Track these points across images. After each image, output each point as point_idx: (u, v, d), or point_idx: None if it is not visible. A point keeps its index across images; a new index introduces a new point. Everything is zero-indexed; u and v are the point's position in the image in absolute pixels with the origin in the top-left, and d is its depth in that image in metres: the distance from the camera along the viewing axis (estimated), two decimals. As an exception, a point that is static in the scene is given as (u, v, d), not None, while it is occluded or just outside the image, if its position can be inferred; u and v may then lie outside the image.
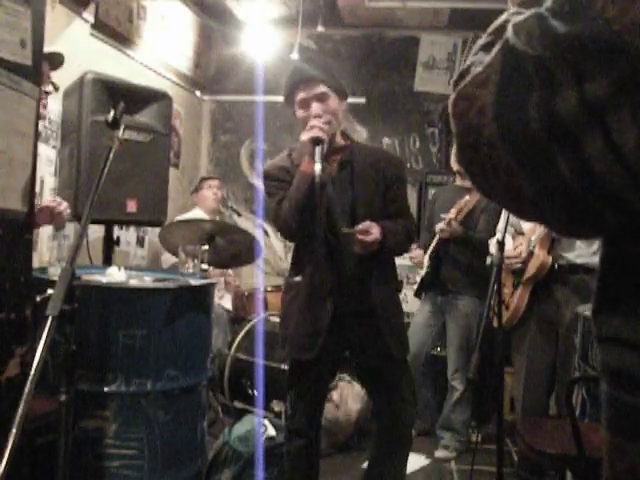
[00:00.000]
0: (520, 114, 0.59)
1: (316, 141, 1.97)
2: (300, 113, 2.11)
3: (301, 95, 2.09)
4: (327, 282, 2.09)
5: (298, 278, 2.12)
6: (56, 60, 2.31)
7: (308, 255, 2.11)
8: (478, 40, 0.70)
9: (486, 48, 0.66)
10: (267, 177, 2.20)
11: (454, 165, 3.55)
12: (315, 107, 2.06)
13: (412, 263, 3.68)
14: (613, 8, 0.53)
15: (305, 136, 2.01)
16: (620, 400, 0.65)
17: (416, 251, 3.55)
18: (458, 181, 3.63)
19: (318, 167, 1.94)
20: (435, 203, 3.72)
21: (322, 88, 2.08)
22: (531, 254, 2.81)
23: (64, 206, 2.28)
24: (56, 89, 2.28)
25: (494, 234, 3.35)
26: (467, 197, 3.27)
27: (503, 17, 0.69)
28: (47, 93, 2.19)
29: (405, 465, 2.25)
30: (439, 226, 3.35)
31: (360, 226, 2.04)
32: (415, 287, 3.67)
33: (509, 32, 0.61)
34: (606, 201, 0.58)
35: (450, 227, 3.29)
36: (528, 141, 0.59)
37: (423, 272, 3.53)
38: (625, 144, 0.54)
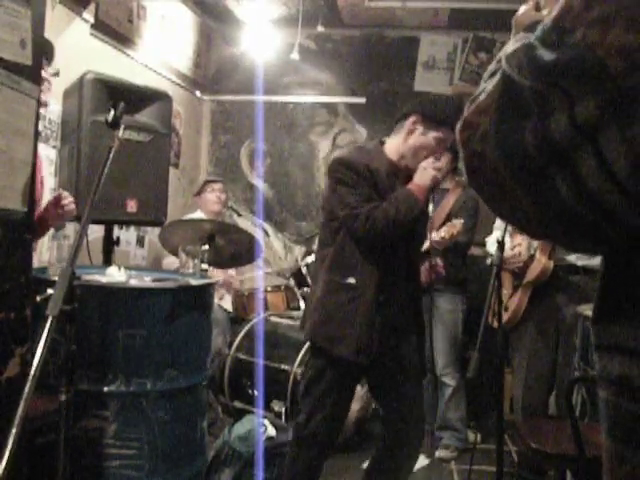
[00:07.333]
0: (518, 140, 0.62)
1: (438, 184, 2.17)
2: (429, 142, 2.16)
3: (446, 135, 2.15)
4: (399, 292, 2.18)
5: (352, 280, 2.12)
6: (48, 50, 2.18)
7: (371, 263, 2.12)
8: (489, 66, 0.73)
9: (494, 75, 0.69)
10: (351, 168, 2.13)
11: None
12: (444, 155, 2.30)
13: None
14: (593, 34, 0.56)
15: (433, 172, 2.13)
16: (621, 407, 0.65)
17: None
18: None
19: (431, 208, 2.26)
20: None
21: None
22: (532, 258, 2.81)
23: (69, 200, 2.24)
24: (56, 74, 2.18)
25: (472, 235, 3.37)
26: (462, 220, 3.26)
27: (511, 44, 0.71)
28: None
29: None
30: (433, 239, 3.33)
31: (439, 262, 2.38)
32: None
33: (503, 62, 0.64)
34: (604, 217, 0.61)
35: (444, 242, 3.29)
36: (527, 165, 0.62)
37: None
38: (616, 162, 0.57)
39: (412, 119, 2.16)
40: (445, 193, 3.50)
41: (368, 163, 2.13)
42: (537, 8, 0.85)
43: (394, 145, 2.22)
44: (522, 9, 0.86)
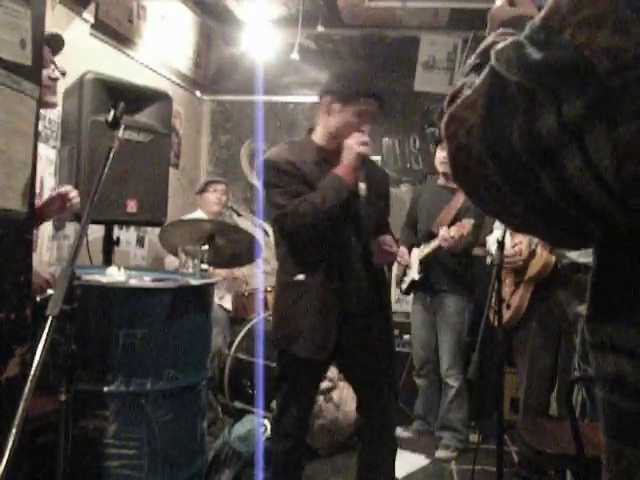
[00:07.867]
0: (504, 135, 0.62)
1: (364, 159, 2.08)
2: (349, 118, 2.08)
3: (364, 106, 2.07)
4: (355, 278, 2.12)
5: (301, 277, 2.09)
6: (57, 43, 2.18)
7: (317, 256, 2.08)
8: (468, 60, 0.73)
9: (476, 70, 0.70)
10: (273, 168, 2.11)
11: (440, 167, 3.59)
12: (367, 126, 2.09)
13: (399, 264, 3.67)
14: (582, 35, 0.57)
15: (357, 149, 2.04)
16: (616, 405, 0.66)
17: (401, 249, 3.51)
18: (441, 181, 3.65)
19: (363, 186, 2.13)
20: (417, 201, 3.74)
21: (378, 109, 2.10)
22: (533, 253, 2.80)
23: (75, 193, 2.24)
24: (63, 74, 2.20)
25: (478, 235, 3.37)
26: (472, 220, 3.23)
27: (490, 39, 0.73)
28: (54, 79, 2.08)
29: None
30: (443, 235, 3.30)
31: (386, 240, 2.15)
32: (404, 286, 3.67)
33: (492, 58, 0.65)
34: (588, 215, 0.62)
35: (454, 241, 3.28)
36: (513, 161, 0.62)
37: (416, 275, 3.53)
38: (601, 161, 0.57)
39: (326, 100, 2.11)
40: (454, 192, 3.48)
41: (291, 157, 2.09)
42: (511, 3, 0.85)
43: (320, 130, 2.18)
44: (497, 4, 0.87)
